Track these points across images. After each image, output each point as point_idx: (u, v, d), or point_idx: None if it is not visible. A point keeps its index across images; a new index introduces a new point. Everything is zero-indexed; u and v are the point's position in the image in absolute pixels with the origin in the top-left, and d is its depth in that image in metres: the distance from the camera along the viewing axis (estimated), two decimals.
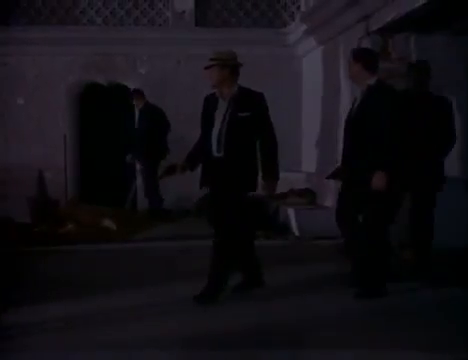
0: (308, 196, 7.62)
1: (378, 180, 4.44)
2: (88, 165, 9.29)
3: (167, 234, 7.26)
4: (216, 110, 4.55)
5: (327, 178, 5.18)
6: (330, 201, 7.21)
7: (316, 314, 4.21)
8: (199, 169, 4.60)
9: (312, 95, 8.49)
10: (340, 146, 6.13)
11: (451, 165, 6.56)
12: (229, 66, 4.51)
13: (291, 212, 7.10)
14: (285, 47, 8.67)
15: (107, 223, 6.97)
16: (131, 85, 8.71)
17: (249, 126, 4.47)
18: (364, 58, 4.62)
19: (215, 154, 4.50)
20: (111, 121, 9.11)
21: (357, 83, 4.73)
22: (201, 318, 4.14)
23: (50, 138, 8.66)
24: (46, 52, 8.60)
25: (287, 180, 8.01)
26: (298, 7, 9.01)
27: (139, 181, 8.54)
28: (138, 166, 8.47)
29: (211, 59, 4.52)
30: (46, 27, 8.67)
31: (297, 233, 6.97)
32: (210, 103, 4.63)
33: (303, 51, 8.68)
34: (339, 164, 4.94)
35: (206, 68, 4.54)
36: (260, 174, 4.53)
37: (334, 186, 6.45)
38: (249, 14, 9.04)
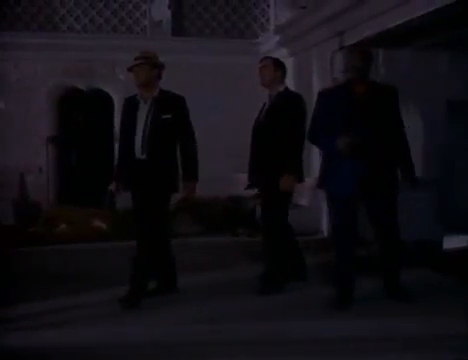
0: None
1: (285, 183, 4.60)
2: (68, 167, 9.56)
3: None
4: (137, 112, 4.49)
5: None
6: (304, 200, 7.80)
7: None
8: None
9: None
10: (311, 149, 6.70)
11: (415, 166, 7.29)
12: (158, 67, 4.55)
13: None
14: (257, 56, 9.14)
15: (98, 223, 7.30)
16: (111, 90, 9.07)
17: (171, 128, 4.46)
18: (283, 67, 4.96)
19: (139, 156, 4.43)
20: (90, 124, 9.44)
21: (271, 88, 4.90)
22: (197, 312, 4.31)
23: (31, 141, 8.87)
24: (27, 57, 8.82)
25: None
26: (267, 19, 9.59)
27: None
28: None
29: (139, 58, 4.50)
30: (27, 33, 8.89)
31: None
32: (131, 105, 4.58)
33: None
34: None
35: (132, 68, 4.49)
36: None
37: (308, 186, 7.02)
38: (222, 24, 9.55)
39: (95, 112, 9.41)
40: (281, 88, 4.88)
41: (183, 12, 9.39)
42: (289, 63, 8.57)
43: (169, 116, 4.44)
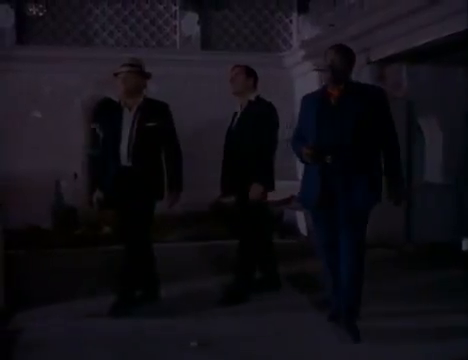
0: None
1: (254, 191, 4.59)
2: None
3: (188, 235, 8.10)
4: (122, 119, 4.49)
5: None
6: None
7: None
8: None
9: None
10: None
11: (435, 173, 7.81)
12: (146, 75, 4.59)
13: (300, 215, 8.09)
14: (280, 69, 9.61)
15: None
16: None
17: (156, 135, 4.43)
18: (255, 75, 4.92)
19: (125, 163, 4.41)
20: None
21: (242, 96, 4.88)
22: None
23: (66, 149, 9.24)
24: (62, 70, 9.18)
25: (287, 187, 9.05)
26: (290, 34, 10.08)
27: None
28: None
29: (130, 64, 4.50)
30: (62, 47, 9.33)
31: (305, 233, 7.99)
32: (112, 111, 4.62)
33: (296, 74, 9.72)
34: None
35: (117, 74, 4.49)
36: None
37: None
38: (247, 39, 10.04)
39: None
40: (252, 97, 4.85)
41: (211, 27, 9.86)
42: (313, 76, 9.09)
43: (154, 124, 4.42)
